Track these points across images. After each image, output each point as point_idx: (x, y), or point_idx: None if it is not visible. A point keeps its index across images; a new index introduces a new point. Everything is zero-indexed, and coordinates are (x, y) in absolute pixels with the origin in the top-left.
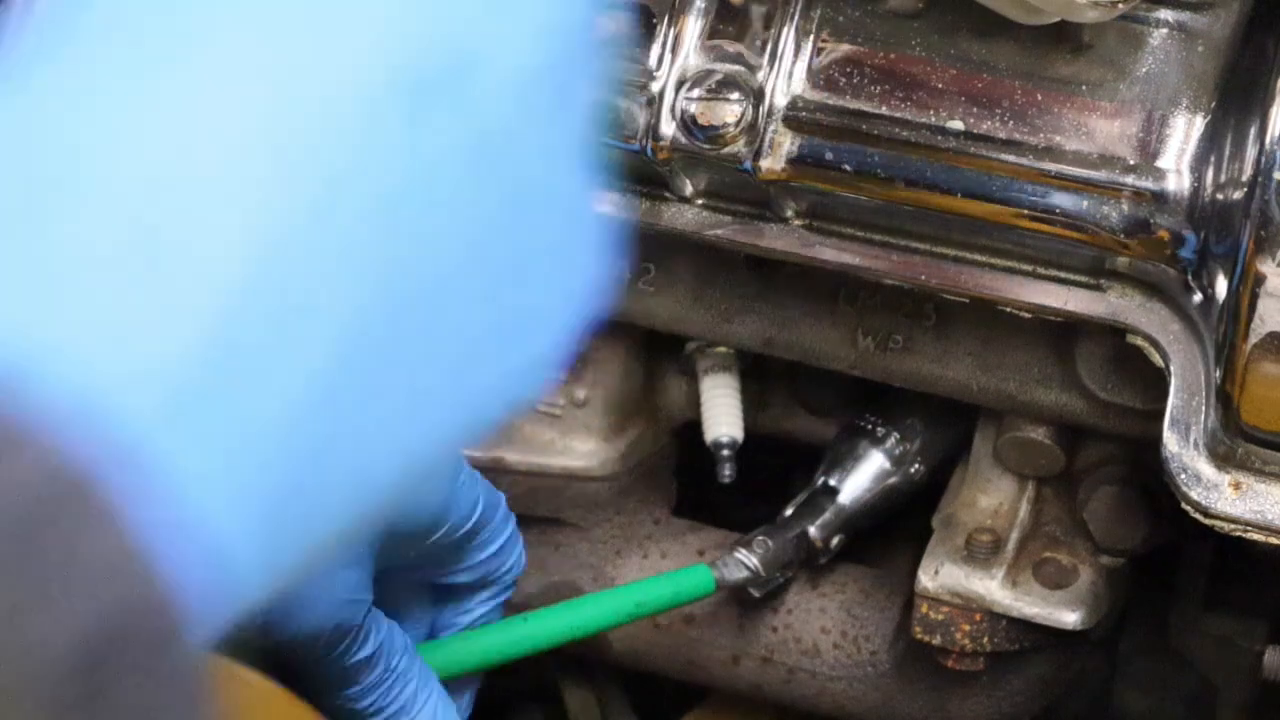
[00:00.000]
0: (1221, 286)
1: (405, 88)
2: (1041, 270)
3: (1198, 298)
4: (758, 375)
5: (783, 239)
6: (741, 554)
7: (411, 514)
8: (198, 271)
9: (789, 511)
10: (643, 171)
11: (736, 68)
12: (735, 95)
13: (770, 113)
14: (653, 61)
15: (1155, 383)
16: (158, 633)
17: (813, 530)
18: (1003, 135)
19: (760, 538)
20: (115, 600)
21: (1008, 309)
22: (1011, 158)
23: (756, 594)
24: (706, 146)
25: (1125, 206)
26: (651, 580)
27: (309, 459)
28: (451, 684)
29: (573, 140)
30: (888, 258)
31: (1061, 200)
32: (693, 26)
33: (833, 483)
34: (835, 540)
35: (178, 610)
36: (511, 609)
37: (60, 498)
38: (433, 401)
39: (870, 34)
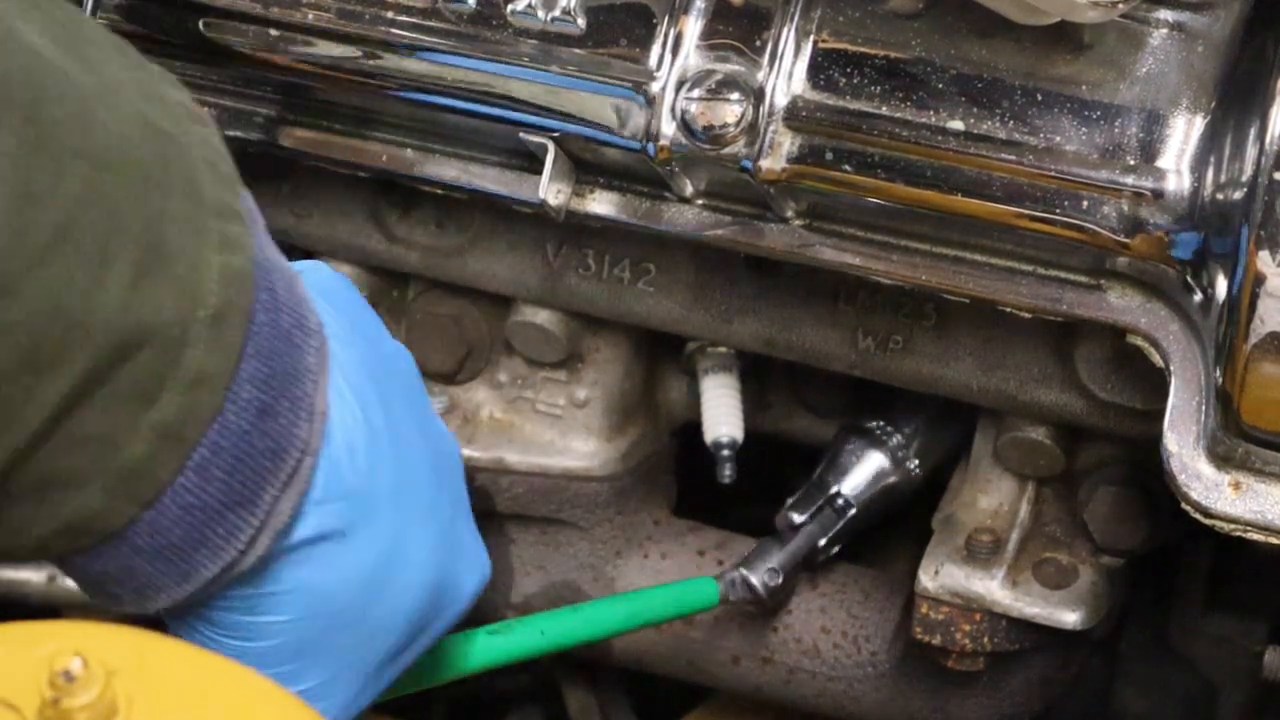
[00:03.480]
0: (1221, 286)
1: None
2: (1041, 270)
3: (1198, 298)
4: (758, 375)
5: (783, 239)
6: (752, 579)
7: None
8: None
9: (794, 517)
10: (643, 172)
11: (736, 68)
12: (735, 95)
13: (770, 113)
14: (653, 61)
15: (1155, 383)
16: None
17: (811, 527)
18: (1003, 135)
19: (770, 567)
20: None
21: (1008, 309)
22: (1011, 158)
23: (754, 610)
24: (707, 147)
25: (1125, 206)
26: (658, 589)
27: None
28: None
29: None
30: (888, 258)
31: (1061, 200)
32: (693, 26)
33: (832, 482)
34: (835, 544)
35: None
36: (512, 609)
37: None
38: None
39: (870, 34)
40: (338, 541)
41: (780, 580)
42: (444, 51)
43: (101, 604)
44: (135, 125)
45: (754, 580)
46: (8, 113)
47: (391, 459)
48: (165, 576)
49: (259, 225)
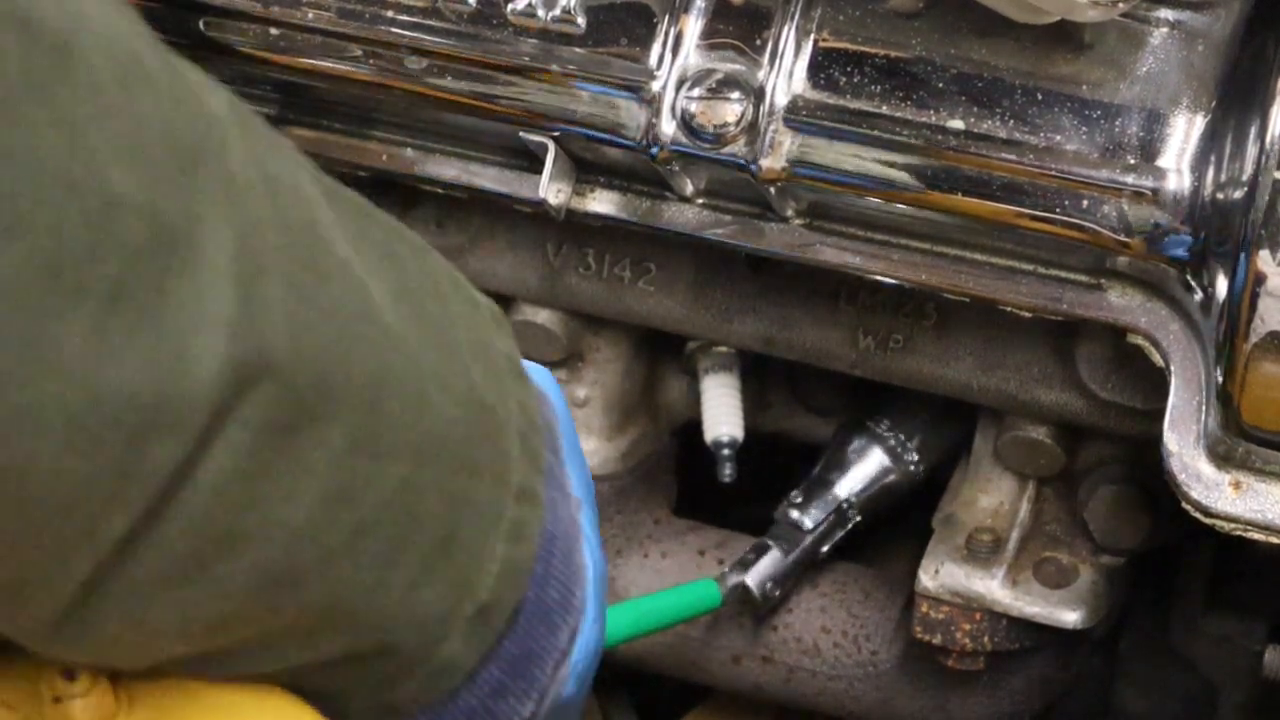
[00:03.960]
0: (1222, 286)
1: None
2: (1042, 270)
3: (1198, 297)
4: (758, 375)
5: (783, 239)
6: (753, 588)
7: None
8: None
9: (795, 517)
10: (643, 171)
11: (737, 67)
12: (735, 95)
13: (771, 112)
14: (653, 61)
15: (1155, 382)
16: None
17: (815, 536)
18: (1003, 135)
19: (772, 578)
20: None
21: (1008, 309)
22: (1012, 157)
23: (753, 609)
24: (707, 146)
25: (1126, 206)
26: (661, 595)
27: None
28: None
29: None
30: (888, 257)
31: (1062, 200)
32: (693, 26)
33: (834, 479)
34: (836, 545)
35: None
36: None
37: None
38: None
39: (870, 34)
40: None
41: (780, 591)
42: (444, 51)
43: None
44: (462, 403)
45: (755, 590)
46: (344, 410)
47: (595, 668)
48: None
49: (551, 475)
